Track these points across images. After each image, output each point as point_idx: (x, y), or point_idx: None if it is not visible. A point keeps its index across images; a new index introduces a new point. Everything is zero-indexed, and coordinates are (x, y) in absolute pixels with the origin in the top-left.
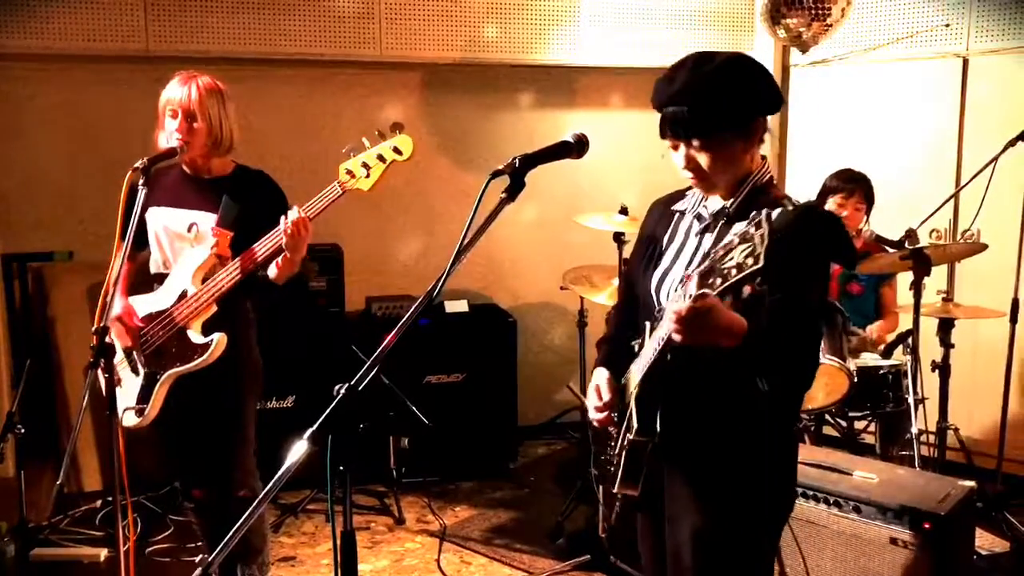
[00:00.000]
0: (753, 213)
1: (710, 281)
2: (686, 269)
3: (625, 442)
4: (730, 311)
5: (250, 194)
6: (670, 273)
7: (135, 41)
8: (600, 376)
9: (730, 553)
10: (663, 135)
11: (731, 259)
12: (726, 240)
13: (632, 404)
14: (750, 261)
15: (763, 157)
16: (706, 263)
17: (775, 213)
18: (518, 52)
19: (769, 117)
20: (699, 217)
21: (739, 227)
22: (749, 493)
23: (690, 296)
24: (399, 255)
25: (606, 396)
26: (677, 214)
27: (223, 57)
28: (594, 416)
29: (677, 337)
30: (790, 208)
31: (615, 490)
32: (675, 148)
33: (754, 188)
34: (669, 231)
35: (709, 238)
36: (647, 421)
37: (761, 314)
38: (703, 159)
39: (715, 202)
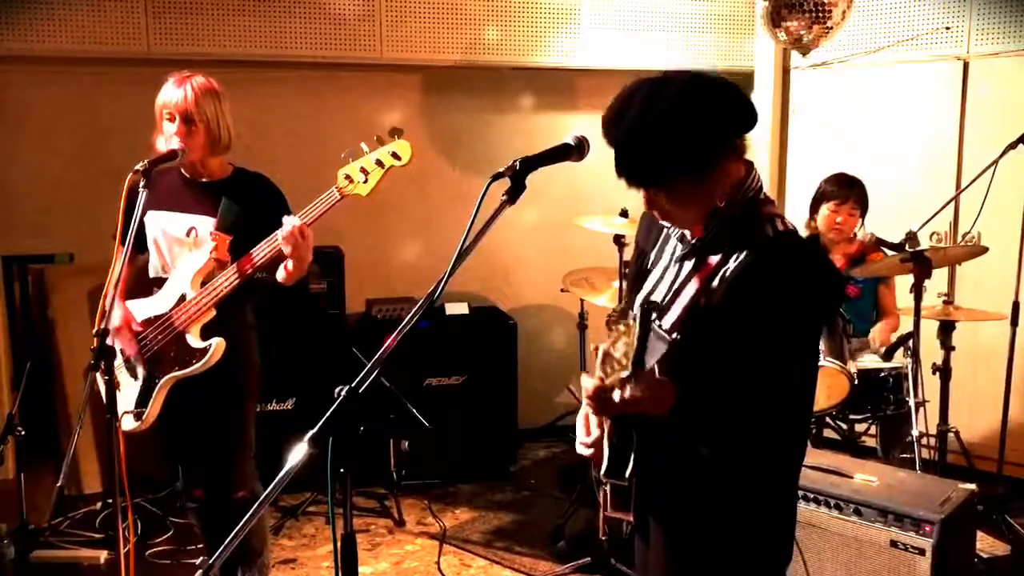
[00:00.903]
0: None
1: (605, 368)
2: (664, 296)
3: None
4: (654, 385)
5: (249, 197)
6: (652, 296)
7: (136, 43)
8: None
9: None
10: (618, 175)
11: (618, 350)
12: (615, 328)
13: (605, 446)
14: (623, 360)
15: (749, 168)
16: (603, 348)
17: (731, 261)
18: (518, 54)
19: (757, 126)
20: (682, 239)
21: (712, 259)
22: (729, 558)
23: (596, 376)
24: (399, 257)
25: (594, 432)
26: (665, 229)
27: (223, 59)
28: (581, 450)
29: (591, 412)
30: (747, 250)
31: (608, 514)
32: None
33: (727, 220)
34: (656, 249)
35: (688, 265)
36: (618, 464)
37: (703, 371)
38: (661, 201)
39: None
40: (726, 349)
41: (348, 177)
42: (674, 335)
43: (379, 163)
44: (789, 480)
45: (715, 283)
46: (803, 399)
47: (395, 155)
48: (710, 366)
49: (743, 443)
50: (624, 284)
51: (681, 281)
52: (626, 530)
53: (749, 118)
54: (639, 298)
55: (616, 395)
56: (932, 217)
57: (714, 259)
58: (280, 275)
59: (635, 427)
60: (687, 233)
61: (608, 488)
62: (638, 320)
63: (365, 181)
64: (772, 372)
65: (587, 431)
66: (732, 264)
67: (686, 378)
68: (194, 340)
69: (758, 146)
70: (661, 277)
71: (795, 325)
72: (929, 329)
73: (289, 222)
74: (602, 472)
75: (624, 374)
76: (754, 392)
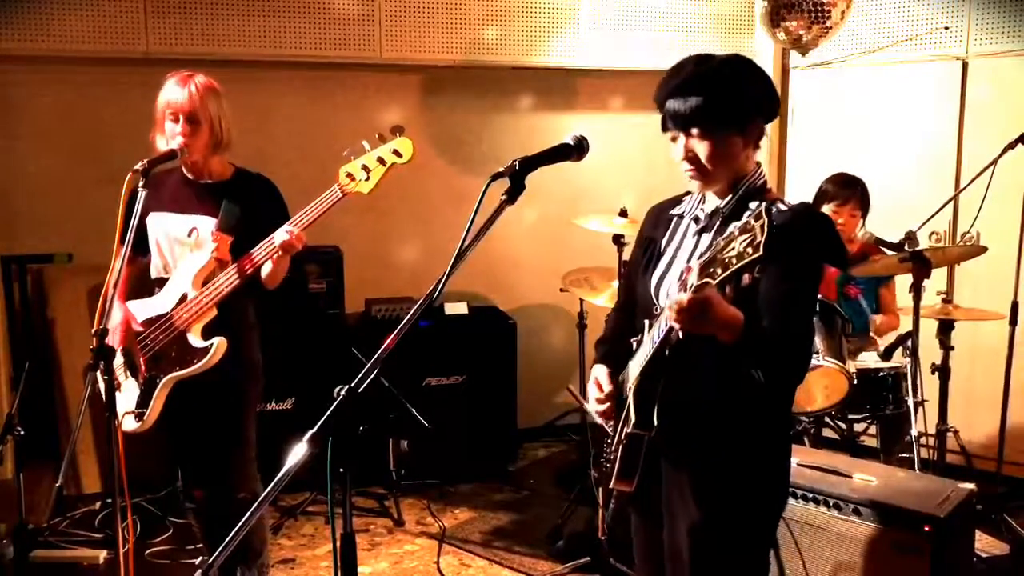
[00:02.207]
0: (753, 204)
1: (711, 271)
2: (686, 270)
3: (622, 436)
4: (729, 305)
5: (250, 198)
6: (669, 273)
7: (135, 43)
8: (599, 371)
9: (727, 547)
10: (664, 128)
11: (732, 249)
12: (727, 233)
13: (630, 397)
14: (750, 250)
15: (758, 163)
16: (708, 254)
17: (774, 209)
18: (518, 54)
19: (767, 125)
20: (696, 219)
21: (736, 224)
22: (745, 488)
23: (691, 287)
24: (399, 257)
25: (606, 387)
26: (675, 218)
27: (223, 59)
28: (595, 408)
29: (677, 327)
30: (785, 208)
31: (610, 486)
32: (674, 140)
33: (749, 189)
34: (668, 233)
35: (707, 237)
36: (645, 414)
37: (757, 308)
38: (702, 150)
39: (711, 204)
40: (769, 290)
41: (350, 175)
42: (727, 287)
43: (381, 161)
44: (787, 419)
45: None
46: (811, 340)
47: (397, 152)
48: (757, 305)
49: (787, 370)
50: (626, 272)
51: (705, 247)
52: (611, 517)
53: (776, 106)
54: (653, 278)
55: (745, 279)
56: (931, 217)
57: (735, 225)
58: (264, 273)
59: (664, 377)
60: (701, 213)
61: (620, 452)
62: (761, 215)
63: (367, 179)
64: (804, 307)
65: (599, 388)
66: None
67: (749, 311)
68: (195, 340)
69: None
70: (675, 256)
71: (817, 272)
72: (928, 329)
73: (282, 232)
74: (630, 425)
75: (756, 256)
76: (794, 324)
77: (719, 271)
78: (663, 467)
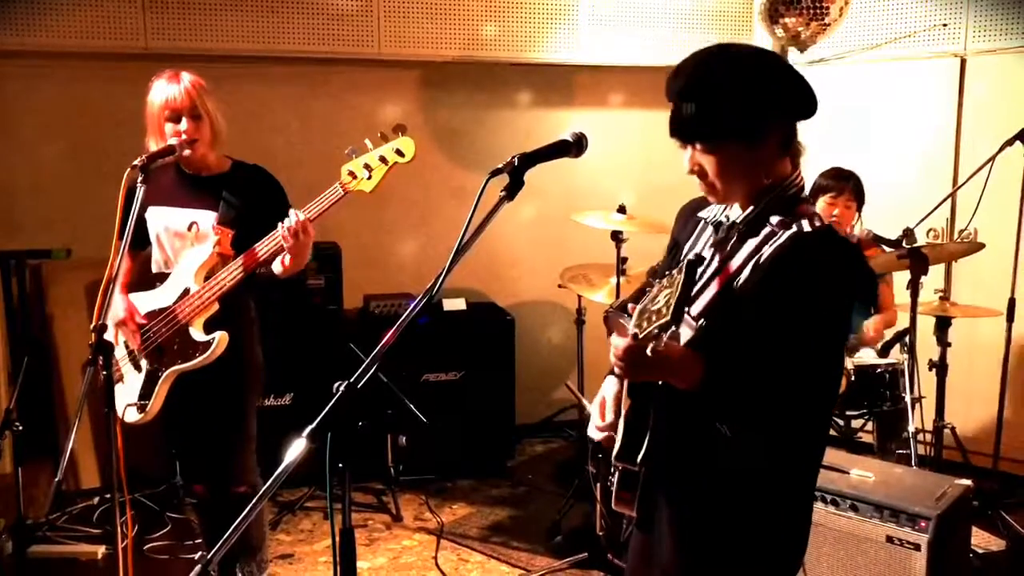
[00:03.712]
0: (775, 220)
1: (639, 322)
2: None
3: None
4: (681, 351)
5: (249, 190)
6: None
7: (134, 39)
8: (607, 390)
9: None
10: (670, 133)
11: (657, 302)
12: (670, 274)
13: (621, 425)
14: (664, 310)
15: (796, 168)
16: (644, 300)
17: (784, 233)
18: (517, 50)
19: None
20: (717, 227)
21: (750, 244)
22: (735, 554)
23: (631, 333)
24: (397, 253)
25: (609, 417)
26: (701, 221)
27: (221, 55)
28: (594, 434)
29: (619, 373)
30: (807, 229)
31: (613, 507)
32: (683, 147)
33: (774, 201)
34: (692, 239)
35: (718, 255)
36: (631, 447)
37: (730, 353)
38: (708, 165)
39: (737, 211)
40: (755, 334)
41: (352, 173)
42: (701, 322)
43: (383, 160)
44: (807, 480)
45: (748, 269)
46: (826, 395)
47: (398, 151)
48: (737, 348)
49: (763, 429)
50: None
51: (713, 270)
52: (625, 531)
53: (806, 104)
54: None
55: (650, 349)
56: (929, 214)
57: (751, 243)
58: (277, 268)
59: (653, 407)
60: (725, 220)
61: (616, 478)
62: (684, 270)
63: (369, 177)
64: (800, 359)
65: (602, 416)
66: (768, 250)
67: (714, 357)
68: (197, 333)
69: None
70: None
71: (827, 317)
72: (926, 325)
73: (294, 215)
74: (614, 455)
75: (663, 321)
76: (780, 377)
77: (644, 325)
78: (658, 498)
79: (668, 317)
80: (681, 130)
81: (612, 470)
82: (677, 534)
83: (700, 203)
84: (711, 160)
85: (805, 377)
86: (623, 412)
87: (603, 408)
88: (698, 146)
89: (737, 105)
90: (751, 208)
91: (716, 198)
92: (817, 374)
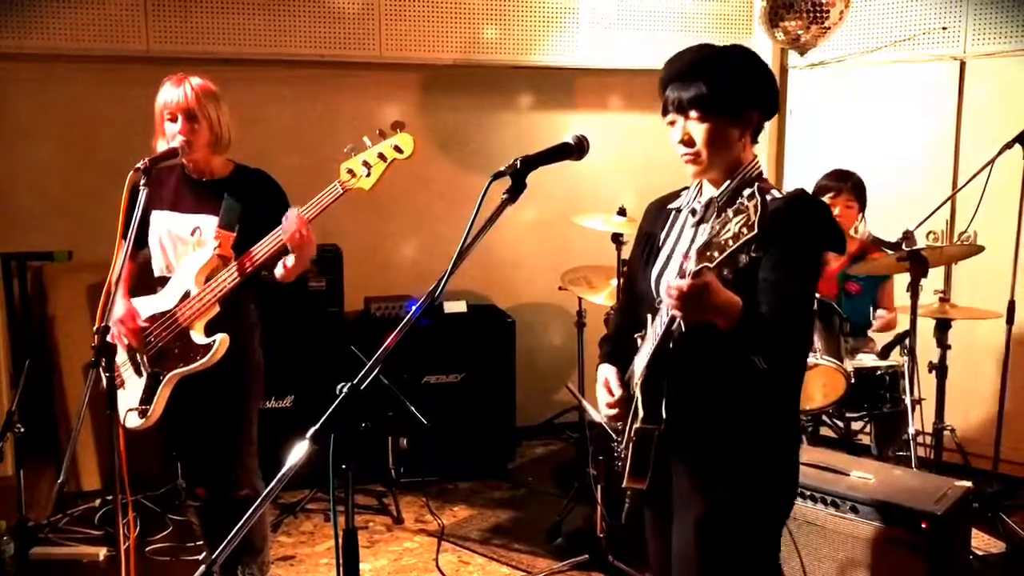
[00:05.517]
0: (747, 192)
1: (708, 254)
2: (684, 258)
3: (632, 433)
4: (727, 291)
5: (250, 194)
6: (669, 266)
7: (136, 41)
8: (607, 371)
9: (735, 540)
10: (664, 111)
11: (728, 231)
12: (721, 217)
13: (638, 392)
14: (745, 230)
15: (755, 155)
16: (704, 238)
17: (768, 196)
18: (517, 53)
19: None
20: (693, 212)
21: (730, 208)
22: (753, 480)
23: (689, 272)
24: (398, 256)
25: (617, 392)
26: (673, 212)
27: (223, 58)
28: (606, 412)
29: (676, 313)
30: (779, 195)
31: (623, 484)
32: (672, 124)
33: (744, 179)
34: (666, 228)
35: (704, 228)
36: (653, 408)
37: (755, 294)
38: (699, 134)
39: (708, 194)
40: (769, 275)
41: (351, 171)
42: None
43: (382, 157)
44: (794, 411)
45: None
46: (811, 326)
47: (397, 148)
48: (757, 289)
49: (787, 357)
50: (626, 271)
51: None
52: (624, 511)
53: (775, 104)
54: (653, 272)
55: (713, 279)
56: (929, 216)
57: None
58: (279, 271)
59: (667, 372)
60: (698, 205)
61: (629, 452)
62: (758, 193)
63: (368, 175)
64: (802, 293)
65: (609, 391)
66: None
67: (747, 296)
68: (198, 336)
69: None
70: (674, 248)
71: (817, 257)
72: (925, 327)
73: (293, 213)
74: (639, 422)
75: (752, 235)
76: (791, 309)
77: (716, 254)
78: (673, 462)
79: (756, 231)
80: (683, 102)
81: (623, 447)
82: (699, 477)
83: (667, 199)
84: (703, 129)
85: (806, 305)
86: (639, 381)
87: (608, 386)
88: (693, 114)
89: (737, 85)
90: (727, 183)
91: (698, 167)
92: (810, 306)
